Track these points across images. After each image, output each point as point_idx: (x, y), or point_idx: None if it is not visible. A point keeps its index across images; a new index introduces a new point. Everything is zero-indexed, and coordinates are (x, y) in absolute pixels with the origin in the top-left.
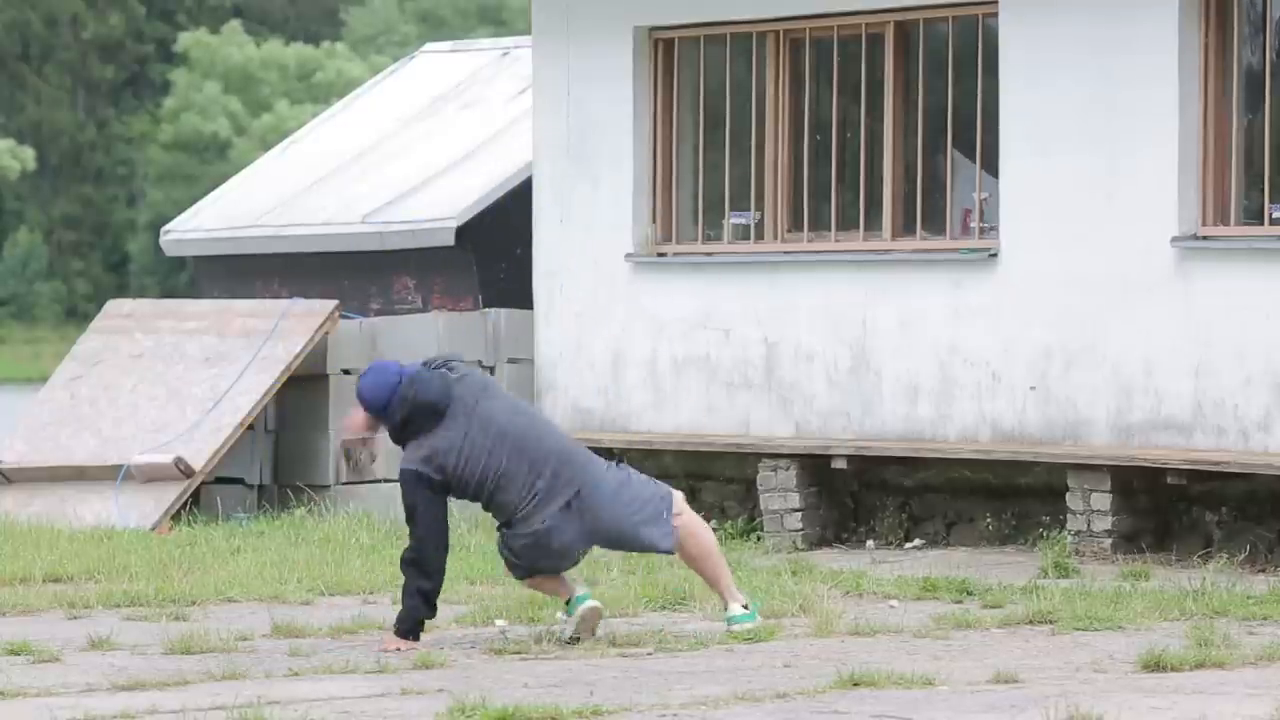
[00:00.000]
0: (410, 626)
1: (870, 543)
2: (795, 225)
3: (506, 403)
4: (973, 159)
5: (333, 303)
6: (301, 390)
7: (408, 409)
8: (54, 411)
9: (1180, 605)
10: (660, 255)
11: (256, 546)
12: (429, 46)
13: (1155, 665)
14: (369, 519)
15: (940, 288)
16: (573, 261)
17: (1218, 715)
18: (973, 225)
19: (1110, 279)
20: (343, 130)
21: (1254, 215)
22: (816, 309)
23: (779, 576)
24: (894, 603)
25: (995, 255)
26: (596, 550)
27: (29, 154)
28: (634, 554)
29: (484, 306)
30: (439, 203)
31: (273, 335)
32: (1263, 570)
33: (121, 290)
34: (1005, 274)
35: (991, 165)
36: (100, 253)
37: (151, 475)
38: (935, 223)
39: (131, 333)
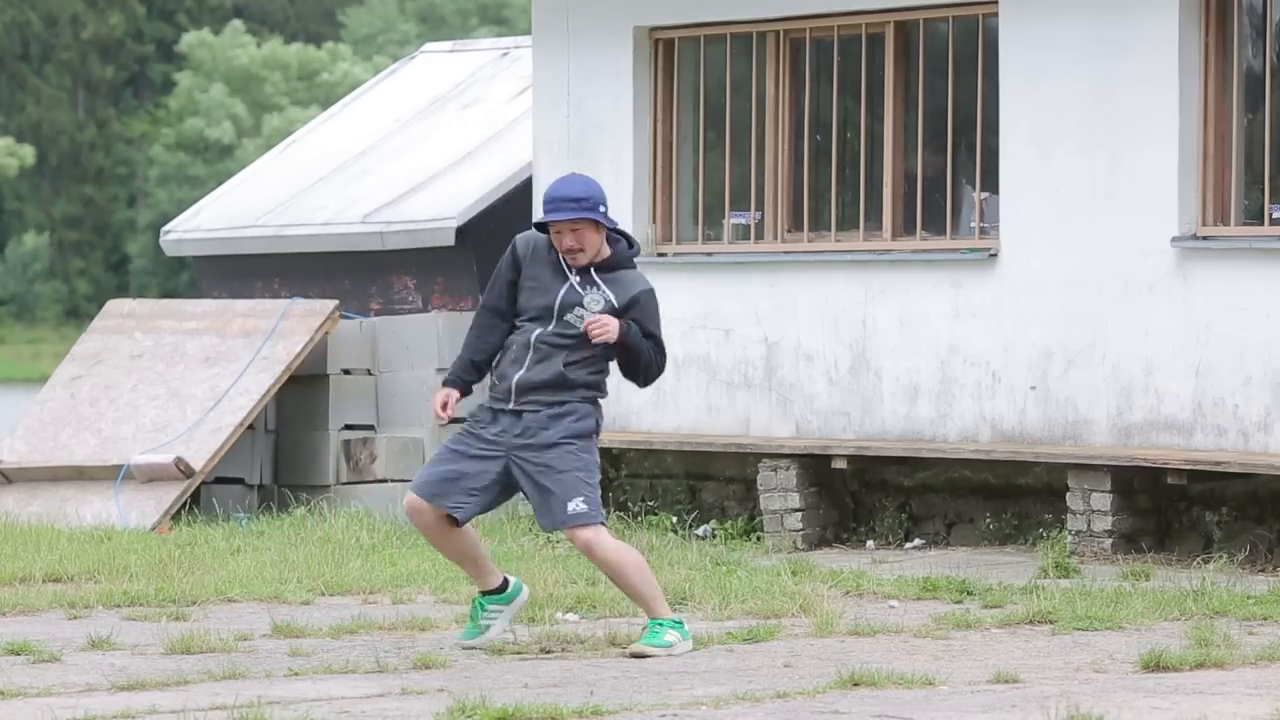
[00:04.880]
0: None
1: (870, 543)
2: (795, 225)
3: None
4: (973, 159)
5: (333, 303)
6: (301, 390)
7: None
8: (54, 411)
9: (1180, 605)
10: (660, 255)
11: (256, 546)
12: (429, 46)
13: (1155, 665)
14: (369, 519)
15: (940, 288)
16: None
17: (1218, 715)
18: (972, 225)
19: (1110, 279)
20: (343, 130)
21: (1254, 215)
22: (816, 309)
23: (779, 576)
24: (894, 603)
25: (995, 255)
26: None
27: (28, 151)
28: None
29: None
30: (439, 203)
31: (273, 335)
32: (1263, 570)
33: (122, 290)
34: (1005, 274)
35: (991, 165)
36: (101, 253)
37: (151, 475)
38: (935, 223)
39: (131, 333)
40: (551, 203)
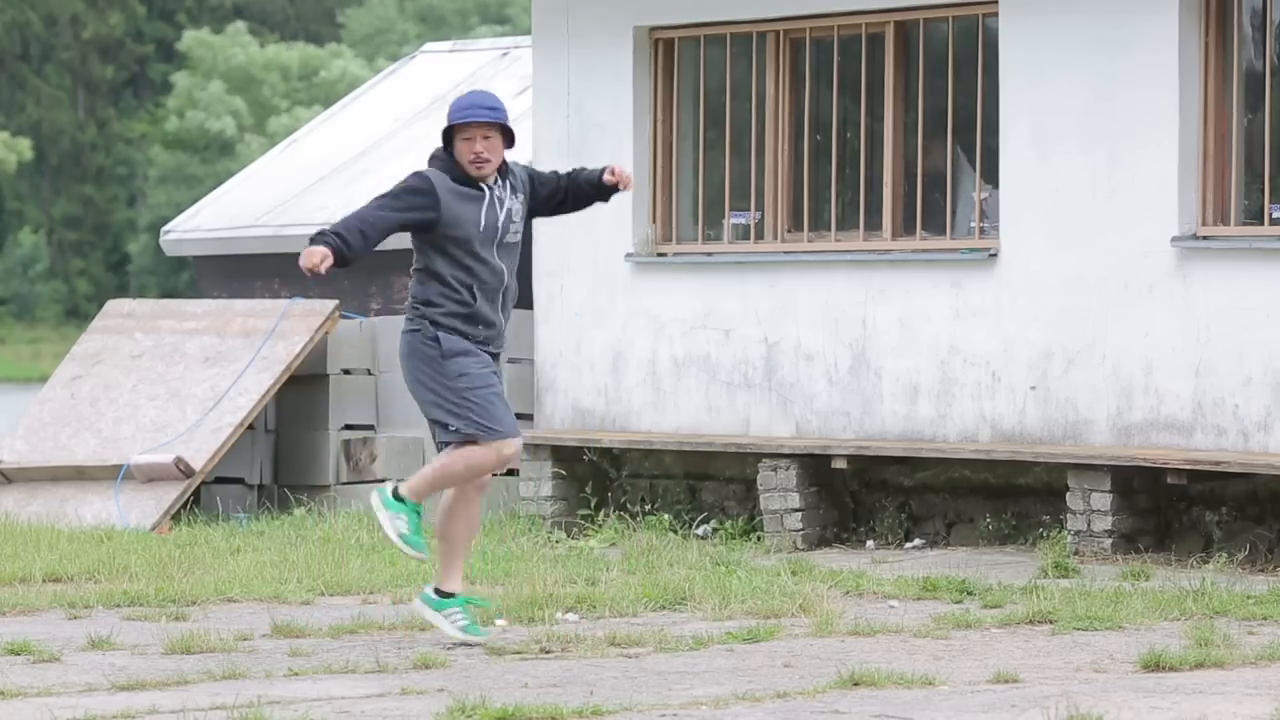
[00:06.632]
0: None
1: (870, 543)
2: (795, 225)
3: None
4: (973, 159)
5: (333, 303)
6: (301, 390)
7: None
8: (54, 411)
9: (1180, 605)
10: (660, 255)
11: (256, 546)
12: (429, 46)
13: (1155, 665)
14: (369, 519)
15: (940, 288)
16: (573, 261)
17: (1218, 715)
18: (972, 225)
19: (1110, 279)
20: (343, 130)
21: (1254, 215)
22: (816, 309)
23: (779, 576)
24: (894, 603)
25: (995, 255)
26: (595, 549)
27: (25, 144)
28: (634, 554)
29: None
30: None
31: (273, 335)
32: (1263, 570)
33: (122, 290)
34: (1005, 274)
35: (991, 165)
36: (101, 253)
37: (151, 475)
38: (935, 223)
39: (131, 333)
40: (471, 108)
